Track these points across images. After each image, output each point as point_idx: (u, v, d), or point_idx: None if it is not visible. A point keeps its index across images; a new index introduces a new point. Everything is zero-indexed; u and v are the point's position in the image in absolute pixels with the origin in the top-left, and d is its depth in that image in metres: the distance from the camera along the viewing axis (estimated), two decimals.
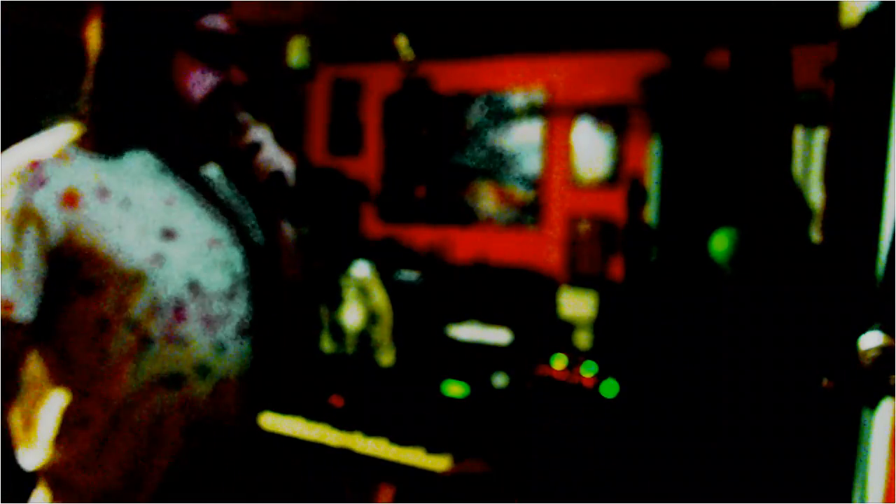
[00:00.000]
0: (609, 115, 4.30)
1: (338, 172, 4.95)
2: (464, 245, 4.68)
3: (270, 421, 2.68)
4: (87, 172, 1.12)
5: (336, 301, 3.27)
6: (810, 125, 3.75)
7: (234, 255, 1.22)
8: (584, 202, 4.41)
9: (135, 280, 1.10)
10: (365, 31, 4.08)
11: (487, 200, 4.69)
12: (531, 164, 4.55)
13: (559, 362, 2.85)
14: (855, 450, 1.41)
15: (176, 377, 1.14)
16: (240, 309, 1.22)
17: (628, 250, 3.78)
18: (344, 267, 3.31)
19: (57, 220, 1.08)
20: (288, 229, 1.31)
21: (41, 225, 1.07)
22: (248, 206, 1.31)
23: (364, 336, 3.23)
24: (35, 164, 1.09)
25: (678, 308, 2.84)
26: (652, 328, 2.90)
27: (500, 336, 3.82)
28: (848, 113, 1.50)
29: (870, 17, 1.44)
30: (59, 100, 3.80)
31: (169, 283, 1.13)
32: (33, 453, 1.16)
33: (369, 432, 2.54)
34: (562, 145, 4.47)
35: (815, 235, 2.30)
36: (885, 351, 1.23)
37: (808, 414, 1.88)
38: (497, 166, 4.65)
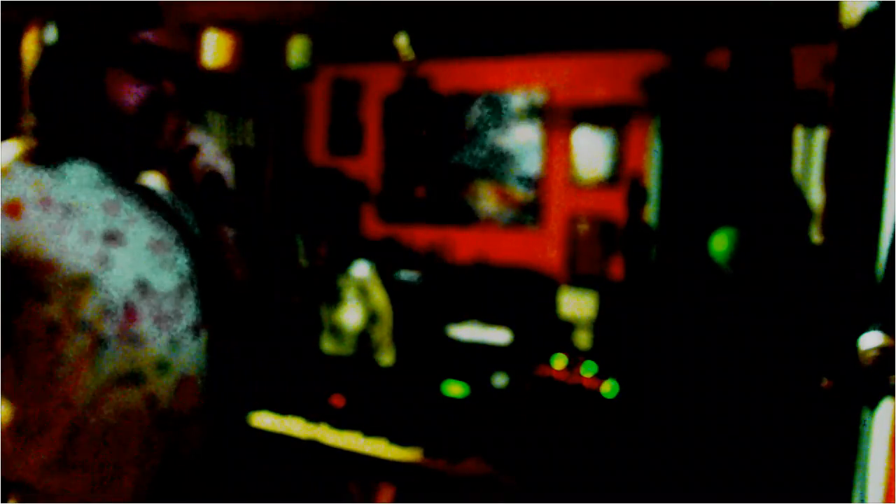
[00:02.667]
0: (609, 116, 4.30)
1: (338, 172, 4.96)
2: (464, 245, 4.68)
3: (270, 421, 2.68)
4: (30, 184, 1.15)
5: (336, 301, 3.27)
6: (810, 125, 3.75)
7: (179, 257, 1.27)
8: (584, 202, 4.41)
9: (82, 283, 1.13)
10: (365, 31, 4.08)
11: (487, 200, 4.69)
12: (531, 164, 4.55)
13: (559, 362, 2.85)
14: (855, 450, 1.41)
15: (135, 375, 1.18)
16: (189, 308, 1.26)
17: (628, 250, 3.78)
18: (344, 267, 3.31)
19: (1, 231, 1.11)
20: (228, 230, 1.34)
21: None
22: (189, 210, 1.35)
23: (364, 336, 3.23)
24: None
25: (678, 308, 2.84)
26: (652, 328, 2.90)
27: (500, 336, 3.82)
28: (848, 113, 1.50)
29: (870, 17, 1.44)
30: None
31: (117, 284, 1.16)
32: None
33: (369, 432, 2.54)
34: (562, 145, 4.47)
35: (815, 235, 2.30)
36: (885, 351, 1.23)
37: (808, 414, 1.88)
38: (497, 166, 4.65)
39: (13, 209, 1.12)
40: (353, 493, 2.65)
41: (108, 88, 1.21)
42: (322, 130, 5.16)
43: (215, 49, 3.92)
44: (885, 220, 1.36)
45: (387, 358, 3.18)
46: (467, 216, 4.73)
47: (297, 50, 3.96)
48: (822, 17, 2.21)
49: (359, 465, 2.51)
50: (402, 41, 3.77)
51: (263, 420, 2.68)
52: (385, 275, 3.46)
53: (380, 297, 3.27)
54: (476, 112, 4.69)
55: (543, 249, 4.52)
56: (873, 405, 1.32)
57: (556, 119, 4.48)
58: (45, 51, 1.21)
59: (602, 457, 2.32)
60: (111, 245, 1.17)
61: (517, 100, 4.58)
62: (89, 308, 1.14)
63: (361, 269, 3.32)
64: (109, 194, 1.22)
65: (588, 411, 2.57)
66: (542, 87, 4.52)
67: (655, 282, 3.28)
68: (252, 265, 1.39)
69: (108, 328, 1.15)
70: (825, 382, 1.47)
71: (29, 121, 1.23)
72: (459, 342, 3.45)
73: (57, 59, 1.20)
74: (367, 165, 5.01)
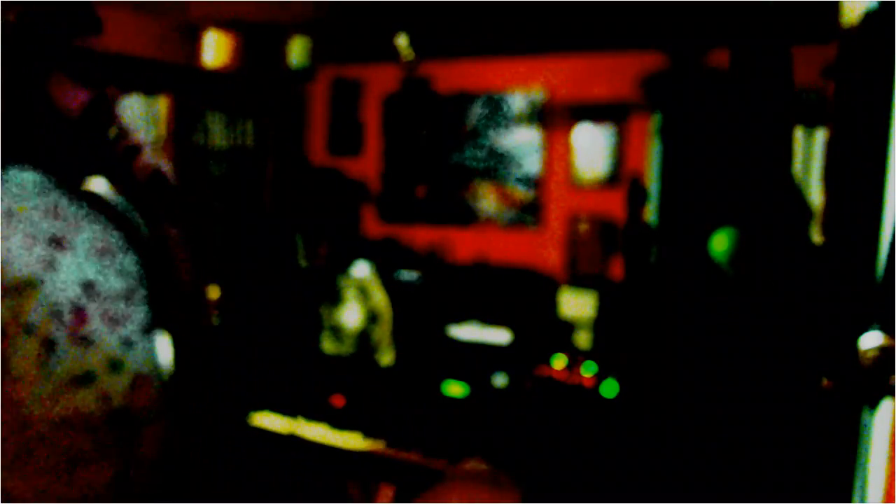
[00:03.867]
0: (609, 115, 4.30)
1: (338, 172, 4.96)
2: (464, 245, 4.68)
3: (270, 421, 2.68)
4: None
5: (336, 301, 3.27)
6: (810, 125, 3.75)
7: (127, 259, 1.27)
8: (584, 202, 4.41)
9: (26, 286, 1.13)
10: (365, 31, 4.08)
11: (487, 200, 4.69)
12: (531, 164, 4.56)
13: (559, 362, 2.85)
14: (855, 450, 1.41)
15: (87, 375, 1.18)
16: (140, 309, 1.26)
17: (628, 250, 3.78)
18: (344, 267, 3.32)
19: None
20: (172, 229, 1.35)
21: None
22: (135, 211, 1.36)
23: (364, 336, 3.23)
24: None
25: (678, 308, 2.84)
26: (652, 328, 2.90)
27: (500, 336, 3.82)
28: (848, 113, 1.50)
29: (870, 17, 1.44)
30: None
31: (63, 287, 1.16)
32: None
33: (369, 432, 2.54)
34: (562, 145, 4.47)
35: (815, 235, 2.30)
36: (885, 351, 1.23)
37: (808, 414, 1.88)
38: (497, 166, 4.65)
39: None
40: (353, 493, 2.65)
41: (51, 93, 1.21)
42: (322, 130, 5.16)
43: (215, 49, 3.92)
44: (885, 220, 1.36)
45: (387, 358, 3.18)
46: (467, 216, 4.73)
47: (297, 50, 3.96)
48: (822, 17, 2.21)
49: (359, 465, 2.51)
50: (402, 41, 3.77)
51: (263, 420, 2.68)
52: (385, 275, 3.46)
53: (380, 297, 3.27)
54: (476, 112, 4.69)
55: (543, 249, 4.52)
56: (873, 405, 1.32)
57: (556, 119, 4.48)
58: None
59: (602, 457, 2.32)
60: (56, 249, 1.17)
61: (517, 100, 4.58)
62: (35, 311, 1.14)
63: (361, 269, 3.32)
64: (53, 199, 1.22)
65: (588, 411, 2.57)
66: (542, 86, 4.52)
67: (655, 282, 3.28)
68: (197, 263, 1.40)
69: (57, 330, 1.15)
70: (825, 382, 1.47)
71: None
72: (459, 342, 3.46)
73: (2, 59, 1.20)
74: (367, 165, 5.01)
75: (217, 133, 4.45)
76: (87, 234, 1.23)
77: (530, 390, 2.75)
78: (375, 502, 2.60)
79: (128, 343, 1.22)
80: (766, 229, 2.26)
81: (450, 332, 3.53)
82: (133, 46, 3.83)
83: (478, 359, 3.24)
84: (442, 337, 3.49)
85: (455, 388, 2.72)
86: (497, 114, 4.63)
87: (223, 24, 3.89)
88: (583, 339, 3.89)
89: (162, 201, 1.32)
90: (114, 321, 1.21)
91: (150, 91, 3.97)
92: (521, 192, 4.59)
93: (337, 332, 3.26)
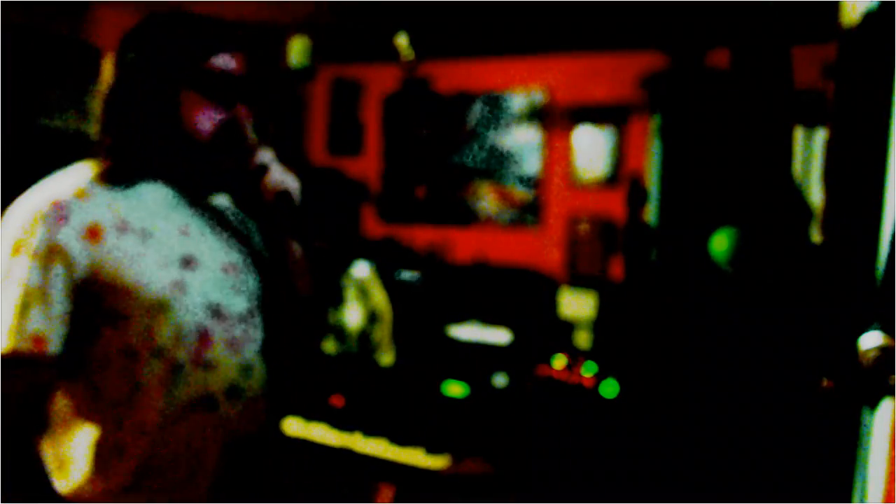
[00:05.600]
0: (609, 116, 4.30)
1: (338, 172, 4.96)
2: (464, 245, 4.68)
3: None
4: (107, 207, 1.15)
5: (336, 301, 3.27)
6: (810, 125, 3.75)
7: (249, 279, 1.27)
8: (584, 202, 4.41)
9: (159, 309, 1.13)
10: (365, 31, 4.08)
11: (487, 200, 4.69)
12: (531, 164, 4.55)
13: (559, 362, 2.86)
14: (855, 450, 1.41)
15: (209, 399, 1.18)
16: (258, 330, 1.26)
17: (628, 250, 3.78)
18: (344, 267, 3.31)
19: (81, 255, 1.11)
20: (296, 246, 1.35)
21: (66, 261, 1.10)
22: (257, 230, 1.35)
23: (364, 336, 3.23)
24: (57, 203, 1.12)
25: (678, 308, 2.84)
26: (652, 328, 2.90)
27: (500, 336, 3.82)
28: (848, 113, 1.50)
29: (870, 17, 1.44)
30: (59, 100, 3.79)
31: (191, 309, 1.16)
32: (68, 486, 1.17)
33: (369, 432, 2.54)
34: (562, 145, 4.47)
35: (815, 235, 2.30)
36: (885, 351, 1.23)
37: (808, 414, 1.88)
38: (497, 166, 4.65)
39: (93, 233, 1.12)
40: (353, 493, 2.65)
41: (183, 112, 1.21)
42: (322, 130, 5.16)
43: None
44: (885, 220, 1.36)
45: (387, 358, 3.18)
46: (467, 216, 4.73)
47: (297, 50, 3.96)
48: (822, 17, 2.20)
49: (359, 464, 2.51)
50: (402, 41, 3.77)
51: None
52: (385, 275, 3.46)
53: (380, 297, 3.27)
54: (476, 112, 4.69)
55: (543, 249, 4.52)
56: (873, 405, 1.32)
57: (556, 119, 4.48)
58: (123, 71, 1.21)
59: (602, 456, 2.32)
60: (187, 270, 1.17)
61: (517, 100, 4.58)
62: (165, 334, 1.14)
63: (361, 269, 3.32)
64: (183, 216, 1.23)
65: (588, 411, 2.57)
66: (542, 87, 4.52)
67: (655, 282, 3.28)
68: (314, 280, 1.40)
69: (183, 354, 1.15)
70: (825, 382, 1.47)
71: (101, 140, 1.22)
72: (459, 342, 3.45)
73: (133, 80, 1.20)
74: (367, 165, 5.01)
75: None
76: (214, 252, 1.23)
77: (530, 390, 2.76)
78: (375, 502, 2.60)
79: (247, 368, 1.22)
80: (766, 229, 2.26)
81: (450, 332, 3.53)
82: None
83: (478, 359, 3.24)
84: (442, 337, 3.49)
85: (455, 388, 2.72)
86: (497, 114, 4.63)
87: None
88: (583, 339, 3.89)
89: (287, 220, 1.31)
90: (235, 345, 1.21)
91: None
92: (521, 192, 4.59)
93: (337, 332, 3.26)
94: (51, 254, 1.09)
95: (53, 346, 1.09)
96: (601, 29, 3.76)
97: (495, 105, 4.64)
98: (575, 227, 4.43)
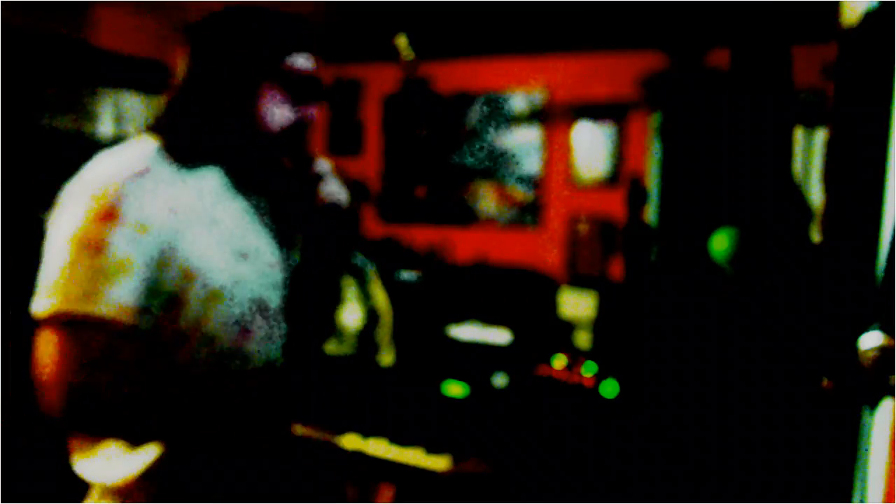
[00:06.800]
0: (609, 115, 4.30)
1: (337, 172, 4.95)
2: (464, 245, 4.68)
3: None
4: (180, 187, 1.15)
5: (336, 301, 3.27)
6: (810, 125, 3.75)
7: (284, 277, 1.28)
8: (584, 202, 4.41)
9: (213, 298, 1.14)
10: (365, 31, 4.08)
11: (487, 200, 4.69)
12: (531, 164, 4.55)
13: (559, 362, 2.86)
14: (855, 450, 1.41)
15: (239, 390, 1.20)
16: (283, 327, 1.27)
17: (628, 250, 3.78)
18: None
19: (163, 231, 1.10)
20: (336, 257, 1.38)
21: (153, 235, 1.09)
22: (297, 232, 1.36)
23: (364, 336, 3.23)
24: (140, 175, 1.11)
25: (678, 308, 2.84)
26: (652, 328, 2.90)
27: (500, 336, 3.81)
28: (848, 113, 1.50)
29: (870, 17, 1.44)
30: (59, 100, 3.79)
31: (240, 302, 1.17)
32: (101, 465, 1.18)
33: (369, 432, 2.54)
34: (562, 145, 4.47)
35: (815, 235, 2.30)
36: (885, 351, 1.23)
37: (808, 414, 1.88)
38: (497, 166, 4.65)
39: (173, 211, 1.11)
40: (353, 493, 2.65)
41: (260, 104, 1.21)
42: (322, 130, 5.16)
43: None
44: (885, 220, 1.36)
45: (387, 358, 3.18)
46: (467, 216, 4.73)
47: None
48: (822, 17, 2.21)
49: (359, 464, 2.51)
50: (402, 41, 3.77)
51: None
52: (385, 275, 3.46)
53: (380, 297, 3.27)
54: (476, 112, 4.69)
55: (543, 249, 4.52)
56: (873, 405, 1.32)
57: (556, 119, 4.48)
58: (205, 58, 1.22)
59: (602, 457, 2.32)
60: (242, 262, 1.18)
61: (517, 100, 4.58)
62: (214, 322, 1.14)
63: None
64: (239, 207, 1.23)
65: (588, 411, 2.57)
66: (542, 86, 4.52)
67: (655, 282, 3.28)
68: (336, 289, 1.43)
69: (227, 345, 1.16)
70: (825, 382, 1.47)
71: (167, 119, 1.22)
72: (459, 342, 3.45)
73: (218, 66, 1.21)
74: (367, 165, 5.01)
75: None
76: (263, 248, 1.24)
77: (530, 390, 2.76)
78: (375, 502, 2.60)
79: (273, 363, 1.24)
80: (766, 229, 2.26)
81: (450, 332, 3.53)
82: (133, 46, 3.83)
83: (478, 359, 3.24)
84: (442, 337, 3.49)
85: (455, 388, 2.72)
86: (497, 114, 4.63)
87: None
88: (583, 339, 3.88)
89: (333, 230, 1.33)
90: (268, 340, 1.22)
91: (150, 91, 3.97)
92: (521, 192, 4.59)
93: (337, 332, 3.26)
94: (140, 226, 1.08)
95: (135, 318, 1.08)
96: (601, 29, 3.76)
97: (495, 105, 4.64)
98: (575, 227, 4.43)
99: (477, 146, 4.70)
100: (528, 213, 4.58)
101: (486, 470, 2.35)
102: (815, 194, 3.69)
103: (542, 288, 4.27)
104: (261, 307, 1.20)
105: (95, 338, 1.05)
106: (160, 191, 1.11)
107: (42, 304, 1.06)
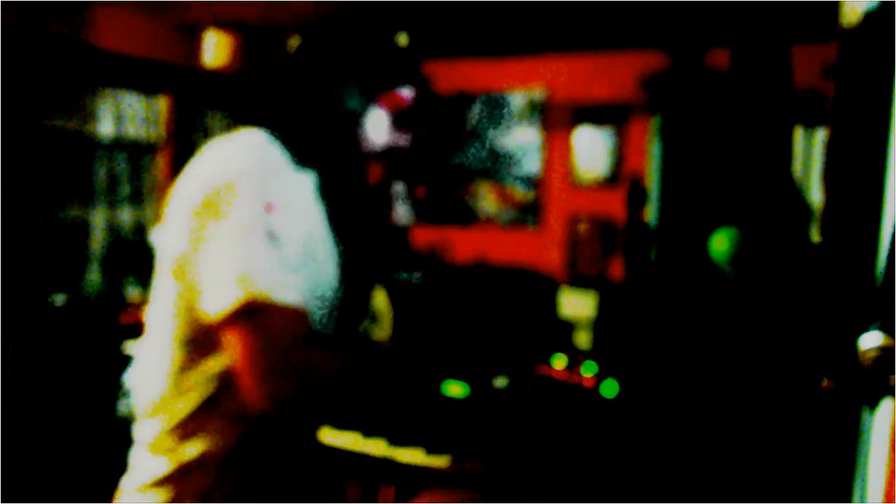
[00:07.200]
0: (609, 115, 4.30)
1: None
2: (464, 245, 4.68)
3: None
4: (303, 183, 1.19)
5: None
6: (810, 125, 3.75)
7: (336, 289, 1.30)
8: (584, 202, 4.41)
9: (302, 312, 1.13)
10: (365, 31, 4.07)
11: (487, 200, 4.69)
12: (531, 164, 4.55)
13: (559, 362, 2.86)
14: (855, 450, 1.41)
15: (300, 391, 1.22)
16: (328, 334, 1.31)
17: (628, 250, 3.78)
18: None
19: (307, 221, 1.16)
20: (389, 274, 1.42)
21: (302, 223, 1.14)
22: (358, 245, 1.39)
23: (363, 336, 3.23)
24: (283, 166, 1.14)
25: (678, 308, 2.84)
26: (652, 328, 2.90)
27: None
28: (848, 113, 1.50)
29: (870, 17, 1.44)
30: (59, 100, 3.78)
31: (317, 305, 1.20)
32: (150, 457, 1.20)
33: (369, 432, 2.54)
34: (562, 145, 4.47)
35: (815, 235, 2.30)
36: (885, 351, 1.23)
37: (808, 414, 1.88)
38: (497, 166, 4.65)
39: (306, 201, 1.17)
40: (352, 493, 2.65)
41: (368, 123, 1.27)
42: None
43: (215, 49, 3.92)
44: (885, 220, 1.36)
45: (386, 358, 3.18)
46: (467, 216, 4.73)
47: None
48: (822, 17, 2.21)
49: (359, 465, 2.51)
50: (402, 41, 3.76)
51: None
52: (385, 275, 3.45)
53: (380, 297, 3.27)
54: (476, 112, 4.69)
55: (543, 249, 4.52)
56: (873, 405, 1.32)
57: (556, 119, 4.48)
58: (318, 66, 1.28)
59: (602, 457, 2.32)
60: (324, 262, 1.22)
61: (517, 100, 4.58)
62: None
63: None
64: (322, 212, 1.25)
65: (588, 411, 2.57)
66: (542, 87, 4.51)
67: (655, 282, 3.28)
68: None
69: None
70: (825, 382, 1.47)
71: (276, 117, 1.24)
72: (459, 342, 3.45)
73: (339, 78, 1.27)
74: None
75: (217, 133, 4.45)
76: (333, 253, 1.27)
77: (530, 390, 2.76)
78: (375, 502, 2.60)
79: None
80: (766, 229, 2.26)
81: (449, 332, 3.53)
82: (133, 46, 3.83)
83: (478, 359, 3.24)
84: (442, 337, 3.49)
85: (455, 388, 2.72)
86: (497, 114, 4.63)
87: (223, 24, 3.89)
88: (583, 339, 3.89)
89: (388, 251, 1.41)
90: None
91: (150, 91, 3.97)
92: (521, 192, 4.59)
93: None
94: (296, 214, 1.12)
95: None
96: (601, 29, 3.76)
97: (495, 105, 4.64)
98: (575, 227, 4.42)
99: (477, 146, 4.70)
100: (528, 213, 4.58)
101: (486, 470, 2.35)
102: (815, 194, 3.69)
103: (542, 288, 4.27)
104: (325, 305, 1.23)
105: (283, 323, 1.07)
106: (298, 183, 1.16)
107: (230, 295, 1.05)
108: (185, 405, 1.16)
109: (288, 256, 1.08)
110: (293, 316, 1.07)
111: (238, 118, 1.30)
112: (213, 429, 1.16)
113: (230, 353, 1.07)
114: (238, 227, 1.05)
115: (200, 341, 1.13)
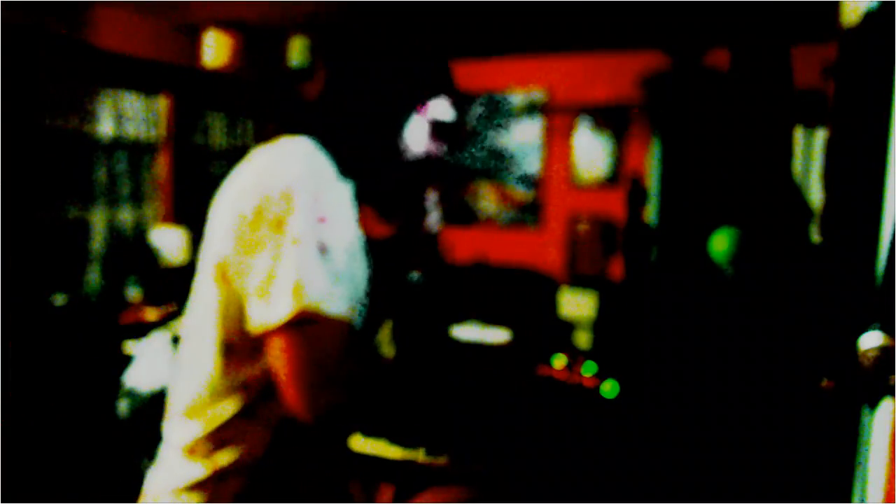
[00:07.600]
0: (609, 116, 4.30)
1: None
2: (464, 245, 4.68)
3: None
4: (342, 191, 1.17)
5: None
6: (810, 125, 3.75)
7: (371, 297, 1.30)
8: (584, 202, 4.41)
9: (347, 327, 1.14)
10: (365, 31, 4.07)
11: (487, 200, 4.69)
12: (531, 164, 4.55)
13: (559, 362, 2.86)
14: (855, 450, 1.41)
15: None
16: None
17: (628, 250, 3.78)
18: None
19: (352, 230, 1.15)
20: (413, 287, 1.44)
21: (350, 234, 1.14)
22: (389, 255, 1.39)
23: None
24: (332, 176, 1.13)
25: (678, 308, 2.84)
26: (652, 328, 2.90)
27: (500, 336, 3.82)
28: (848, 113, 1.50)
29: (870, 17, 1.44)
30: (59, 100, 3.77)
31: (355, 314, 1.19)
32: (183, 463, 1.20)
33: (369, 432, 2.54)
34: (562, 145, 4.47)
35: (815, 235, 2.30)
36: (885, 351, 1.23)
37: (808, 414, 1.88)
38: (497, 166, 4.65)
39: (350, 212, 1.16)
40: (353, 493, 2.65)
41: (409, 132, 1.26)
42: None
43: (215, 49, 3.92)
44: (885, 220, 1.36)
45: (386, 358, 3.18)
46: (467, 216, 4.73)
47: (297, 50, 3.96)
48: (822, 17, 2.21)
49: (359, 465, 2.51)
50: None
51: None
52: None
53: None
54: (476, 112, 4.69)
55: (543, 249, 4.52)
56: (873, 405, 1.32)
57: (556, 119, 4.48)
58: (362, 79, 1.26)
59: (602, 456, 2.32)
60: (358, 275, 1.21)
61: (517, 100, 4.58)
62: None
63: None
64: (357, 220, 1.25)
65: (588, 411, 2.57)
66: (542, 87, 4.51)
67: (655, 282, 3.28)
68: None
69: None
70: (825, 382, 1.47)
71: (318, 126, 1.23)
72: (459, 342, 3.45)
73: (387, 90, 1.25)
74: None
75: (217, 133, 4.45)
76: (363, 280, 1.26)
77: (530, 390, 2.76)
78: (375, 502, 2.60)
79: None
80: (765, 229, 2.26)
81: (450, 331, 3.53)
82: (133, 46, 3.83)
83: (478, 359, 3.24)
84: (442, 337, 3.49)
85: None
86: (497, 114, 4.63)
87: (223, 24, 3.89)
88: (583, 339, 3.89)
89: (419, 259, 1.39)
90: (350, 354, 1.25)
91: (150, 91, 3.97)
92: (521, 192, 4.59)
93: None
94: (346, 225, 1.13)
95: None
96: (601, 29, 3.76)
97: (495, 105, 4.64)
98: (575, 227, 4.42)
99: (477, 146, 4.70)
100: (528, 213, 4.58)
101: (486, 470, 2.35)
102: (815, 194, 3.69)
103: (542, 288, 4.27)
104: (355, 323, 1.22)
105: (332, 334, 1.08)
106: (343, 193, 1.15)
107: (284, 306, 1.05)
108: (223, 411, 1.16)
109: (336, 268, 1.08)
110: (341, 328, 1.08)
111: (284, 126, 1.29)
112: (250, 436, 1.16)
113: (276, 364, 1.07)
114: (293, 238, 1.05)
115: (241, 347, 1.13)
